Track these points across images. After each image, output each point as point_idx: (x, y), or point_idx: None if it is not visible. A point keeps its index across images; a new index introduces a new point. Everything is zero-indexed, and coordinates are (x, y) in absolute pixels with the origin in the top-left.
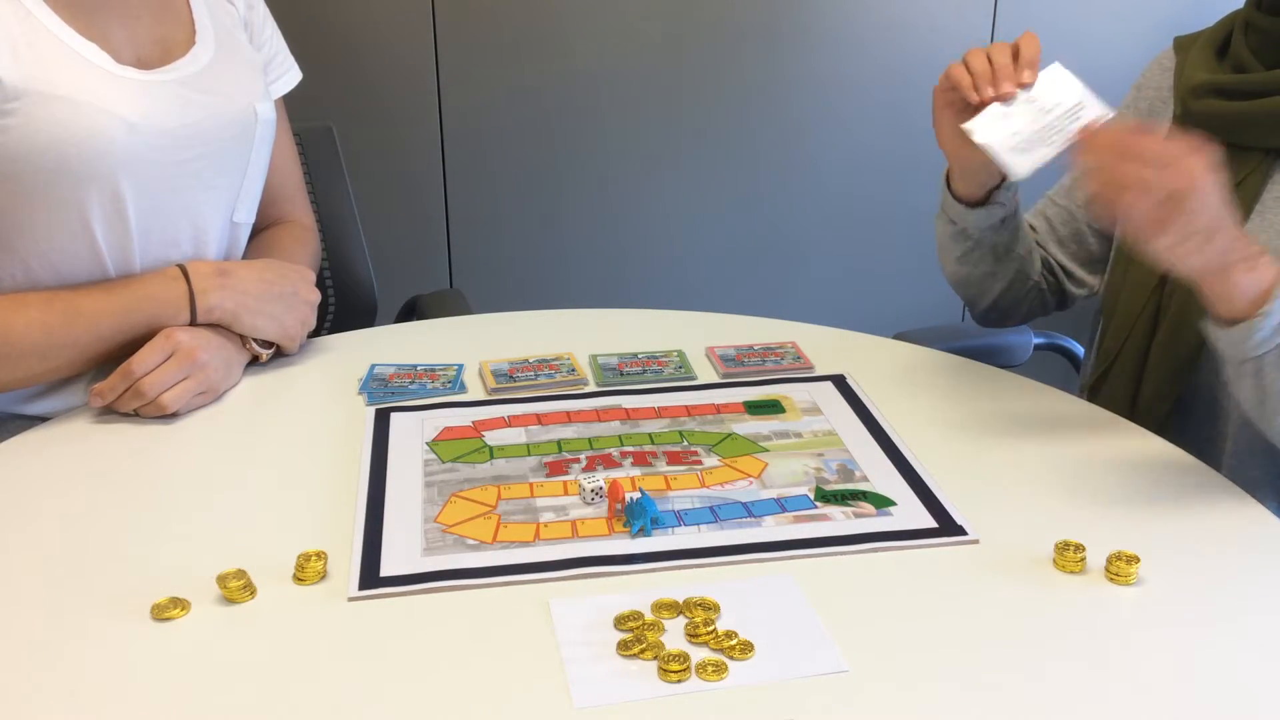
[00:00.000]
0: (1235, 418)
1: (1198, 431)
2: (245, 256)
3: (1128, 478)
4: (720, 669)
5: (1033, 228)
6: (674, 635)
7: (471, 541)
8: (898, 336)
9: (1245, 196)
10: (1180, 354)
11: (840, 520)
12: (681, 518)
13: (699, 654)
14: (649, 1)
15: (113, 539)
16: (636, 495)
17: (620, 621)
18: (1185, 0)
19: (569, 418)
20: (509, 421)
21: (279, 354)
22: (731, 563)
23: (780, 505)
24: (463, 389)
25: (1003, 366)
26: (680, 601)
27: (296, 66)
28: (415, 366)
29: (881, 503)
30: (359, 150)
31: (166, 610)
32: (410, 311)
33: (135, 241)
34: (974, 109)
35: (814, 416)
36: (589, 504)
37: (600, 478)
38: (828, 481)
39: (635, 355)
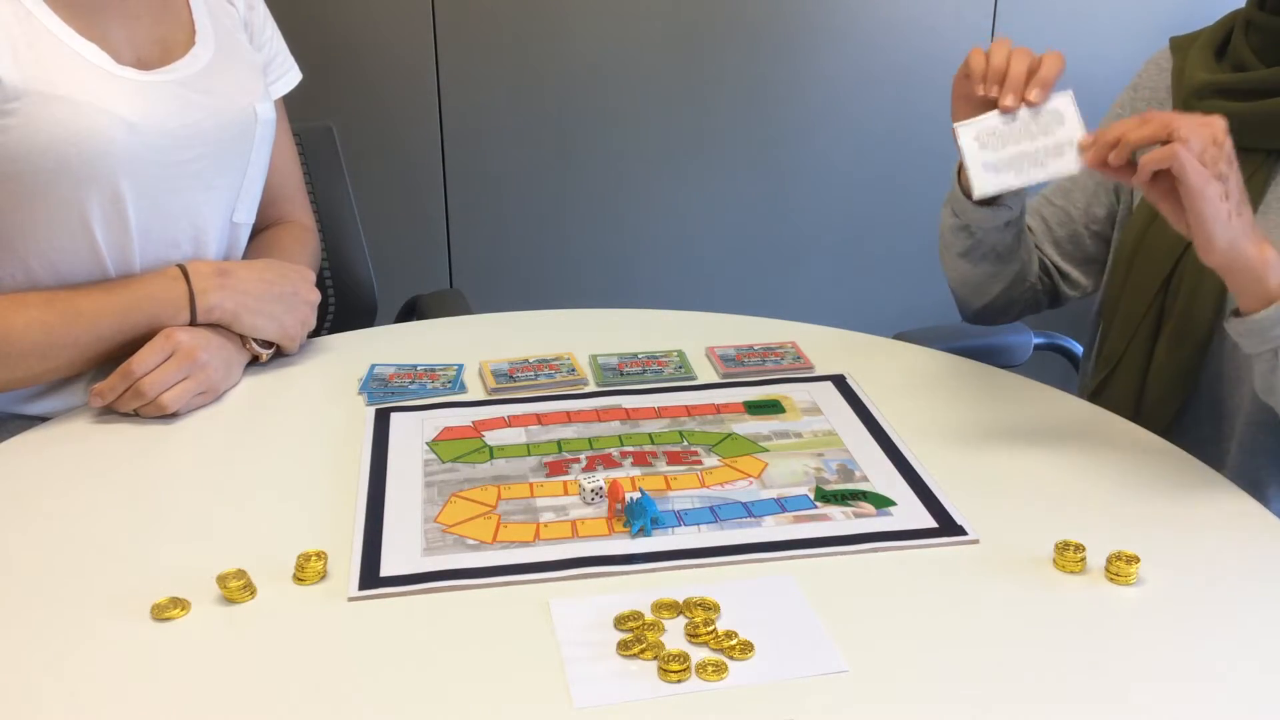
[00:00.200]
0: (1244, 416)
1: (1201, 431)
2: (245, 257)
3: (1127, 477)
4: (720, 669)
5: (1029, 228)
6: (674, 635)
7: (471, 541)
8: (898, 336)
9: (1248, 198)
10: (1186, 354)
11: (840, 520)
12: (681, 518)
13: (699, 654)
14: (647, 2)
15: (113, 539)
16: (636, 495)
17: (620, 621)
18: (1184, 0)
19: (569, 418)
20: (509, 421)
21: (279, 354)
22: (731, 563)
23: (780, 505)
24: (463, 389)
25: (1003, 366)
26: (680, 601)
27: (296, 67)
28: (415, 366)
29: (881, 503)
30: (359, 150)
31: (166, 610)
32: (410, 311)
33: (135, 241)
34: (984, 103)
35: (814, 416)
36: (589, 504)
37: (600, 478)
38: (828, 481)
39: (635, 355)
